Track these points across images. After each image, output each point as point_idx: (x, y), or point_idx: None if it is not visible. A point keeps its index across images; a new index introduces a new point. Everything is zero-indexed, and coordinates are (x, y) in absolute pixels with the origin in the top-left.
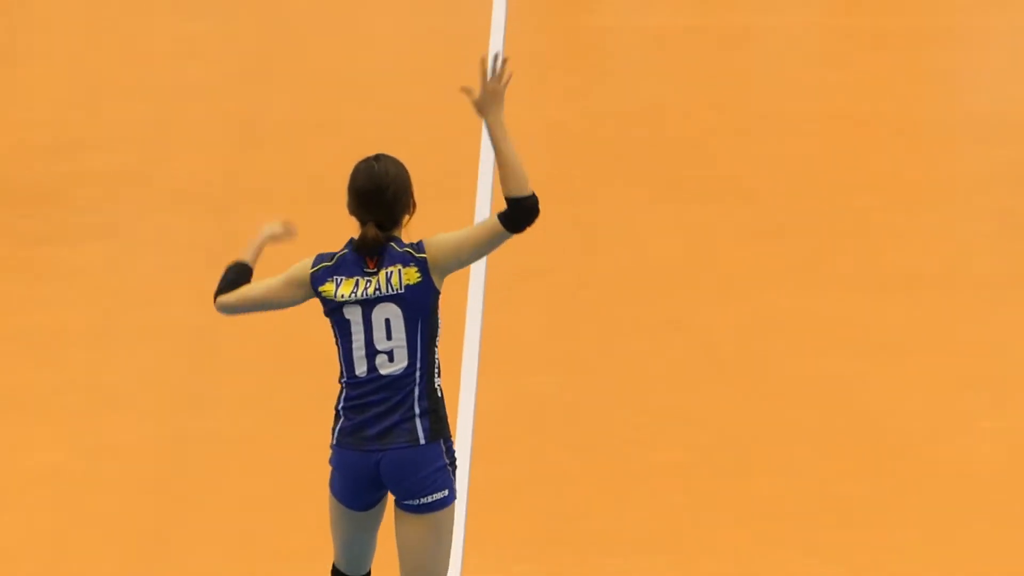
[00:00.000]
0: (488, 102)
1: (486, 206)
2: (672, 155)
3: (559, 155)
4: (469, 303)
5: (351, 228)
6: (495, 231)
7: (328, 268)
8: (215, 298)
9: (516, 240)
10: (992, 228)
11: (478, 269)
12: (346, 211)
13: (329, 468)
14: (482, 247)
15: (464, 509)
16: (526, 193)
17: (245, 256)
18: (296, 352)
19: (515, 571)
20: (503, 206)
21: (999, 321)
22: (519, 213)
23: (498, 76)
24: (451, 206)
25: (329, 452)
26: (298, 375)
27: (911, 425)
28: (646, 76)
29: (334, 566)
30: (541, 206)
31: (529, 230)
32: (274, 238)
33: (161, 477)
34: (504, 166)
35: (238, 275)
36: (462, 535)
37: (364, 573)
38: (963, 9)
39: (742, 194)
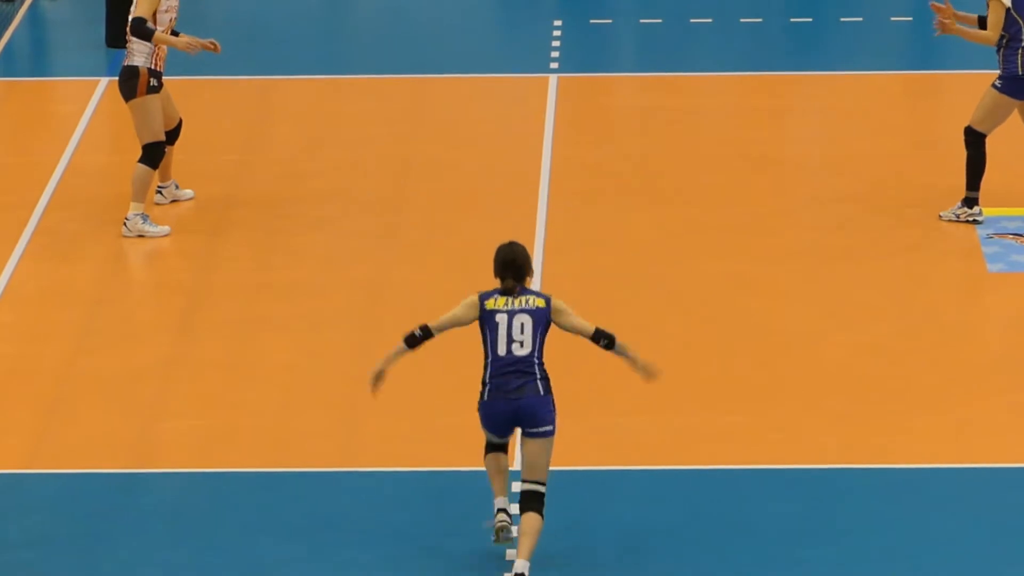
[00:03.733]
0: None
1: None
2: (646, 178)
3: (587, 177)
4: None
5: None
6: (585, 331)
7: (488, 293)
8: (431, 332)
9: (566, 217)
10: (830, 224)
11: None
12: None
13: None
14: (571, 328)
15: None
16: (617, 344)
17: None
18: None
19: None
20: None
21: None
22: (608, 341)
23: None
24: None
25: (476, 407)
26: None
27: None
28: (634, 129)
29: (490, 443)
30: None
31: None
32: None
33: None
34: (630, 353)
35: (425, 332)
36: None
37: (507, 441)
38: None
39: (682, 200)
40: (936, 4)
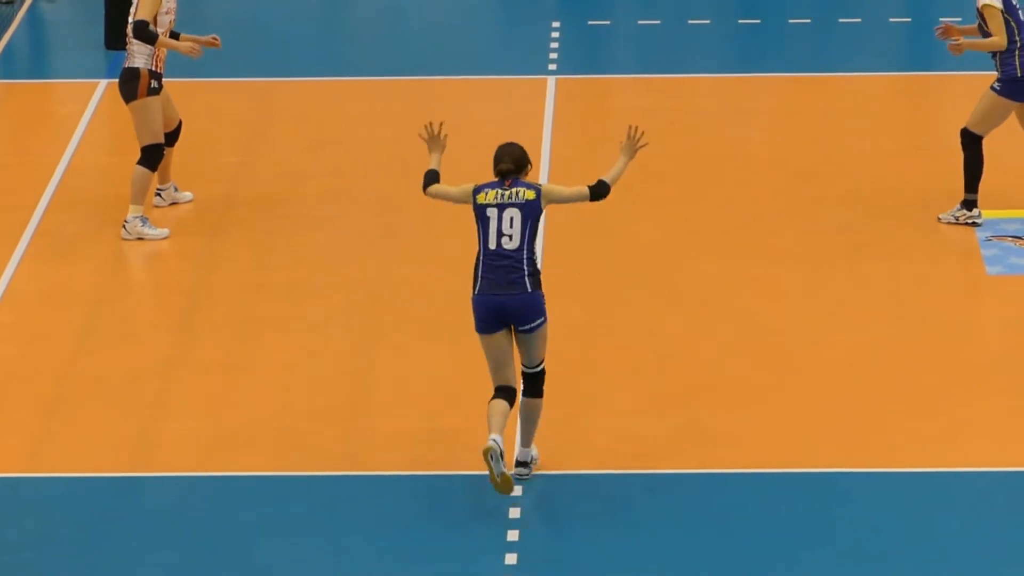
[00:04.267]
0: (627, 150)
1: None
2: (645, 179)
3: (586, 178)
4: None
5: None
6: (581, 194)
7: (481, 186)
8: (424, 189)
9: (566, 218)
10: (830, 225)
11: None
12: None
13: (472, 322)
14: (568, 200)
15: None
16: (611, 185)
17: (434, 164)
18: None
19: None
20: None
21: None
22: (602, 191)
23: (635, 141)
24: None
25: (471, 305)
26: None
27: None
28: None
29: (495, 386)
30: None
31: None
32: (437, 146)
33: (362, 363)
34: (617, 172)
35: (434, 177)
36: None
37: (512, 385)
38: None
39: (681, 201)
40: (940, 30)
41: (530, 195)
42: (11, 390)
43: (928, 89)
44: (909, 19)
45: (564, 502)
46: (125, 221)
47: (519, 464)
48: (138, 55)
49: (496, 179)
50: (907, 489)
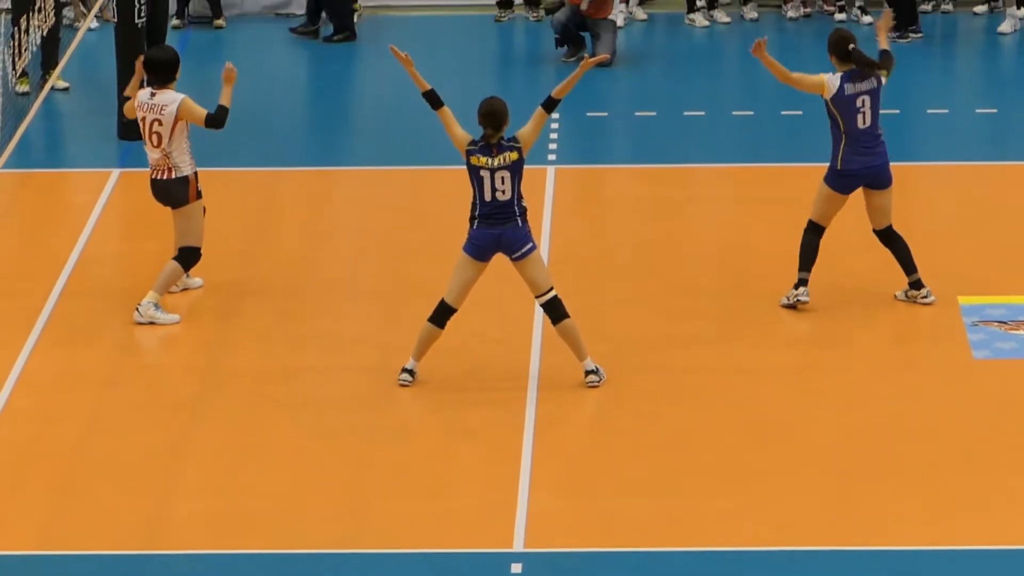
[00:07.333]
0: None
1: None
2: (641, 266)
3: (583, 262)
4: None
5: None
6: (543, 119)
7: (474, 150)
8: (437, 107)
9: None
10: (820, 311)
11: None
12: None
13: (463, 253)
14: (538, 131)
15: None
16: (558, 97)
17: (426, 86)
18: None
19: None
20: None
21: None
22: (552, 105)
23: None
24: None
25: (465, 241)
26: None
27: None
28: (631, 218)
29: (443, 301)
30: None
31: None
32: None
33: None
34: (567, 85)
35: (438, 97)
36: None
37: (454, 309)
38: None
39: (677, 289)
40: (755, 47)
41: (514, 156)
42: (26, 470)
43: (911, 179)
44: (897, 110)
45: None
46: (139, 305)
47: (588, 373)
48: (184, 164)
49: (482, 142)
50: (895, 567)
